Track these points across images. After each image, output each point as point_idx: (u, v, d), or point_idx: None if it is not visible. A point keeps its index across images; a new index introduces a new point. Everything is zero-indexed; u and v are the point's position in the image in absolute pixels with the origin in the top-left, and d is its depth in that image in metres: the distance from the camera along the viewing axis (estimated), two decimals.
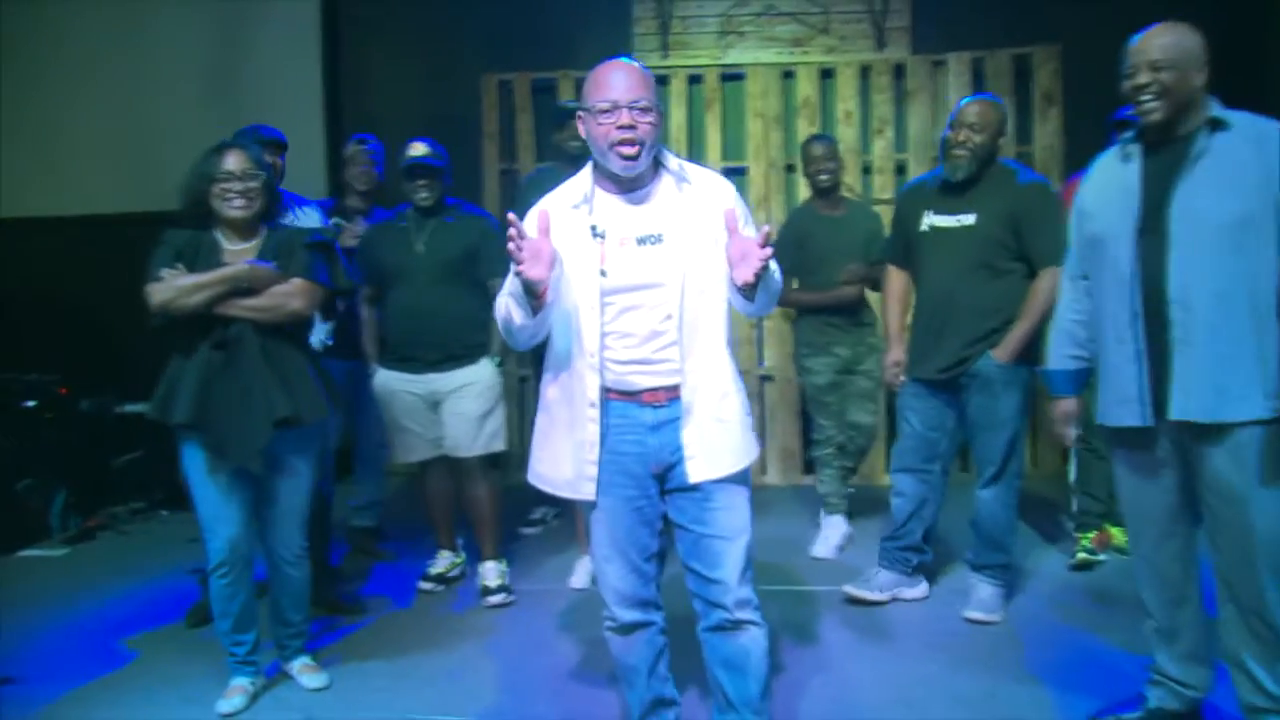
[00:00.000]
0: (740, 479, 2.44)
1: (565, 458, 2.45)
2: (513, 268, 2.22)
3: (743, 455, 2.43)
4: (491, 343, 3.89)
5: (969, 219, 3.52)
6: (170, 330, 3.05)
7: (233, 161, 3.01)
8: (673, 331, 2.36)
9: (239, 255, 3.04)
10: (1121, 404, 2.60)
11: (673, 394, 2.38)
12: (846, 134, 5.86)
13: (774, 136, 5.94)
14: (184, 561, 4.53)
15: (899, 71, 5.92)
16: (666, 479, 2.44)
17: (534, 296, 2.25)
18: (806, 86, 5.95)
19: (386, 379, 3.92)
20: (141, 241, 6.12)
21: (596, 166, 2.43)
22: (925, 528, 3.79)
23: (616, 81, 2.33)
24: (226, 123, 6.26)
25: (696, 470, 2.37)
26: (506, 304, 2.36)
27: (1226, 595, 2.58)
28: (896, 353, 3.80)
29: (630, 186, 2.40)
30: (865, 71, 5.93)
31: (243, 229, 3.07)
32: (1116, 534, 4.20)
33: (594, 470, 2.40)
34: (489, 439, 3.91)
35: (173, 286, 2.94)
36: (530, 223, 2.34)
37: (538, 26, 6.07)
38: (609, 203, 2.41)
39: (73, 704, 3.22)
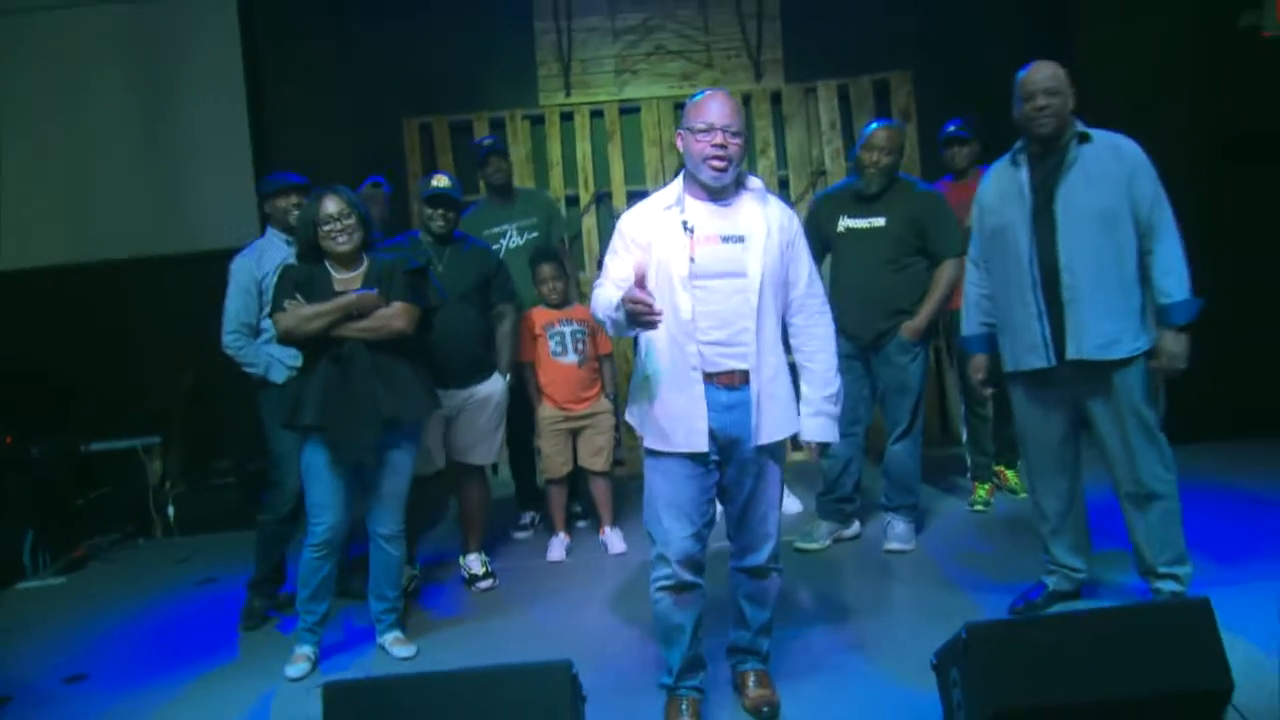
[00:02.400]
0: (779, 458, 2.99)
1: (679, 417, 2.87)
2: (626, 307, 2.66)
3: (787, 426, 2.95)
4: (500, 360, 4.41)
5: (879, 221, 4.30)
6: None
7: (332, 205, 3.56)
8: (750, 318, 2.84)
9: (348, 283, 3.59)
10: (1029, 351, 3.38)
11: (744, 379, 2.86)
12: None
13: (669, 161, 6.63)
14: (190, 576, 5.00)
15: (776, 99, 6.71)
16: (731, 452, 2.91)
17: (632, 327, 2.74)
18: None
19: None
20: (79, 291, 6.49)
21: (687, 176, 2.93)
22: (854, 481, 4.54)
23: (715, 108, 2.84)
24: (159, 173, 6.74)
25: (763, 435, 2.87)
26: (605, 320, 2.86)
27: (1119, 488, 3.40)
28: None
29: (717, 196, 2.90)
30: (747, 100, 6.68)
31: (348, 260, 3.62)
32: (1010, 476, 5.05)
33: (704, 425, 2.84)
34: (499, 448, 4.46)
35: (295, 316, 3.49)
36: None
37: (451, 72, 6.63)
38: (698, 207, 2.90)
39: (143, 682, 3.69)
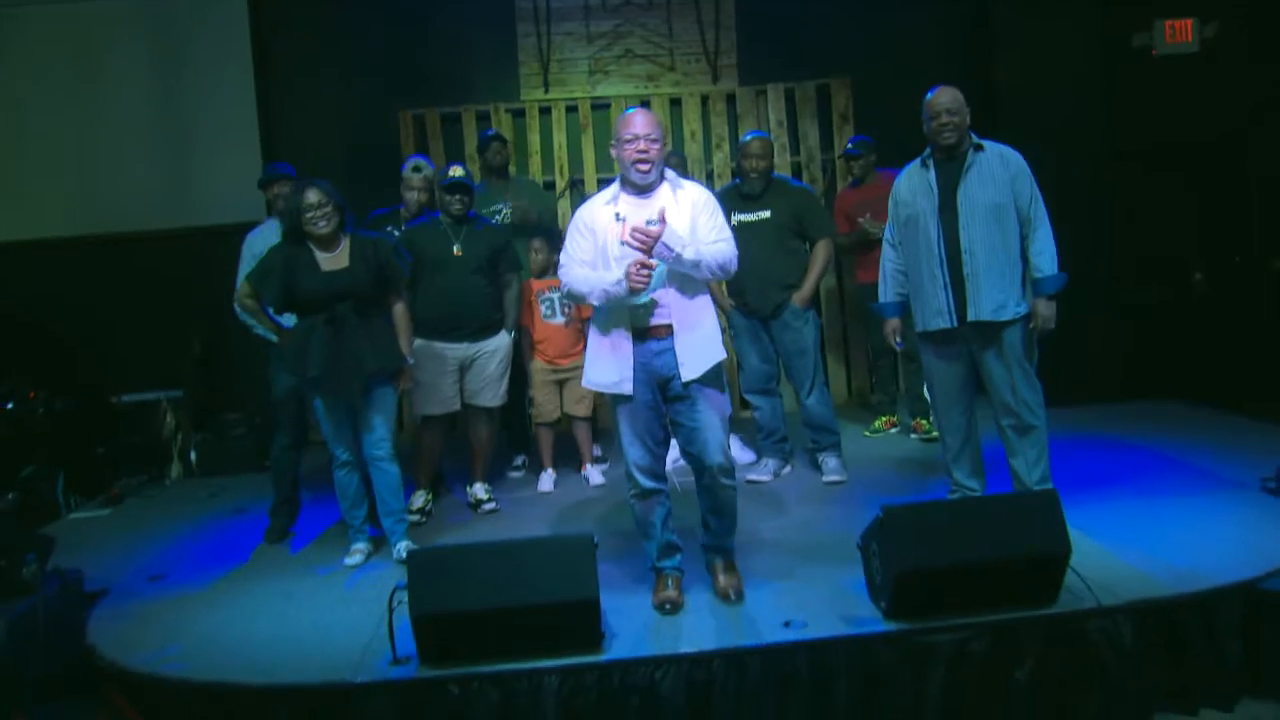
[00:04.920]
0: (716, 384, 3.70)
1: (610, 368, 3.70)
2: (628, 284, 3.52)
3: (710, 358, 3.67)
4: (506, 319, 5.22)
5: (765, 214, 5.25)
6: None
7: (312, 196, 4.33)
8: (661, 279, 3.60)
9: (330, 262, 4.37)
10: (936, 315, 4.29)
11: (670, 331, 3.64)
12: (692, 148, 7.50)
13: None
14: (223, 507, 5.78)
15: (731, 99, 7.60)
16: (667, 389, 3.70)
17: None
18: (659, 112, 7.54)
19: (428, 346, 5.01)
20: (96, 260, 7.14)
21: (621, 178, 3.74)
22: (783, 424, 5.54)
23: (638, 122, 3.64)
24: (171, 154, 7.40)
25: (685, 373, 3.69)
26: (592, 290, 3.64)
27: (1003, 420, 4.31)
28: (726, 300, 5.43)
29: (643, 190, 3.70)
30: (705, 100, 7.58)
31: (328, 242, 4.39)
32: (925, 424, 6.00)
33: (630, 374, 3.65)
34: (504, 393, 5.26)
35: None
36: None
37: (442, 69, 7.43)
38: (628, 200, 3.71)
39: (214, 577, 4.52)
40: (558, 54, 7.52)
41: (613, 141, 3.76)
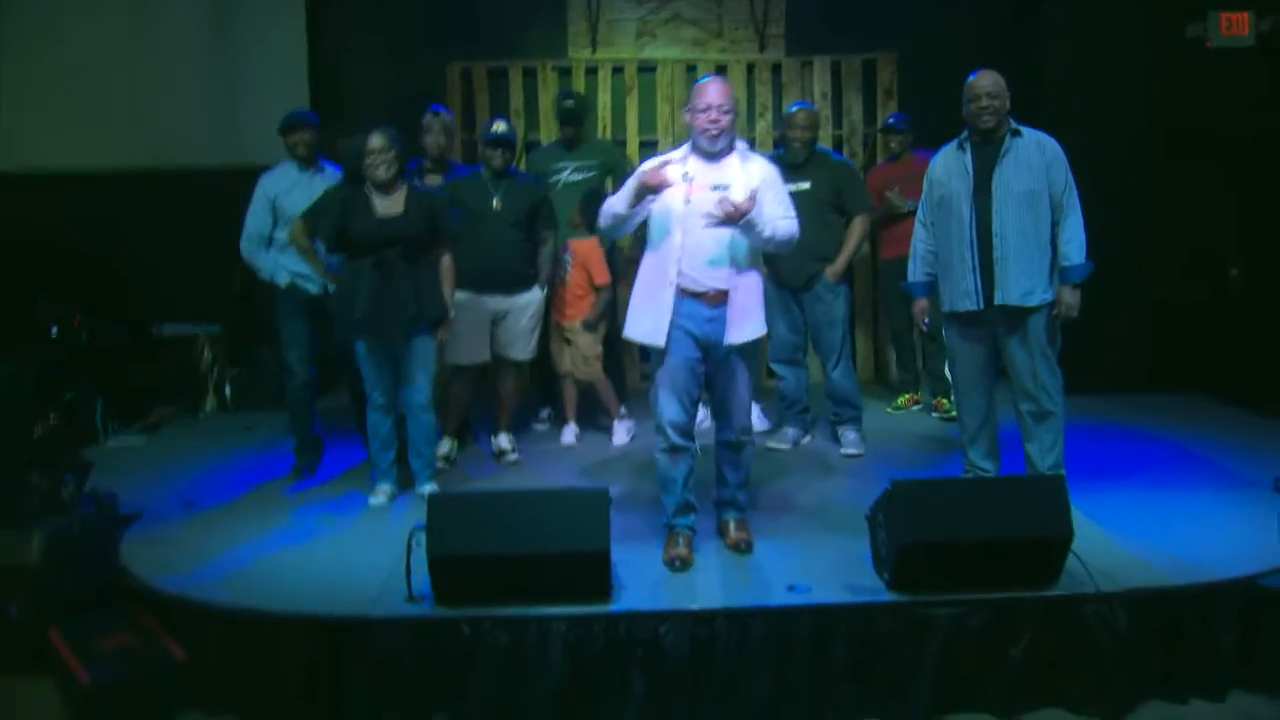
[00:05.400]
0: (753, 355, 3.96)
1: (648, 317, 3.87)
2: (639, 182, 3.72)
3: (755, 330, 3.90)
4: (540, 274, 5.33)
5: (805, 185, 5.27)
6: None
7: (376, 140, 4.44)
8: (726, 248, 3.78)
9: (385, 207, 4.48)
10: (964, 296, 4.33)
11: (723, 298, 3.81)
12: None
13: (679, 117, 7.52)
14: (254, 442, 5.94)
15: (777, 69, 7.60)
16: (710, 353, 3.88)
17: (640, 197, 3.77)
18: None
19: (462, 298, 4.98)
20: (139, 193, 7.24)
21: (693, 143, 3.88)
22: (806, 394, 5.63)
23: (711, 91, 3.81)
24: (221, 92, 7.49)
25: (730, 337, 3.84)
26: (612, 205, 3.87)
27: (1022, 406, 4.36)
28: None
29: (713, 156, 3.85)
30: (751, 68, 7.58)
31: (387, 187, 4.49)
32: (945, 403, 6.07)
33: (666, 326, 3.79)
34: (534, 348, 5.40)
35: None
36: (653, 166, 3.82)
37: (491, 24, 7.44)
38: (699, 163, 3.86)
39: (243, 507, 4.72)
40: (606, 14, 7.54)
41: (687, 107, 3.91)
